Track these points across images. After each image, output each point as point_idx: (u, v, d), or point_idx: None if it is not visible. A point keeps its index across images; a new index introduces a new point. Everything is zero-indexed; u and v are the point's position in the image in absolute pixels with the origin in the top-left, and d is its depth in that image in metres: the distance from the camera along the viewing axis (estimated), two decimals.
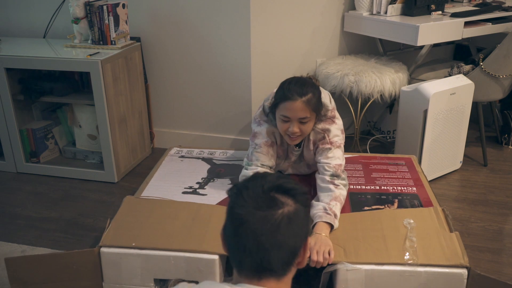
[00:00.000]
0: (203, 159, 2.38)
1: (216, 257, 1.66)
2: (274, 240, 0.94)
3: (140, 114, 2.88)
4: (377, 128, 3.23)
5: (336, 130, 1.92)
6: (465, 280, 1.58)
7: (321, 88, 2.28)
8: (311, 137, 1.95)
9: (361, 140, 3.07)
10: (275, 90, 2.21)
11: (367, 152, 2.95)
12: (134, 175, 2.78)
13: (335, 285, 1.63)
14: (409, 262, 1.60)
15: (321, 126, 1.92)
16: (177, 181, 2.15)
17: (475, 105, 2.71)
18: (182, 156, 2.41)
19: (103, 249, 1.70)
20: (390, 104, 3.06)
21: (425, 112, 2.44)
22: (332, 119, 1.93)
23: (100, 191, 2.62)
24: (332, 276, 1.68)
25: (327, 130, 1.91)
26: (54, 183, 2.71)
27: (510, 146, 3.07)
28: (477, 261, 2.00)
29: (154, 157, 2.98)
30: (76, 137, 2.85)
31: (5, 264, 1.69)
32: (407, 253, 1.63)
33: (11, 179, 2.76)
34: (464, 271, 1.58)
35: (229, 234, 0.98)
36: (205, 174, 2.22)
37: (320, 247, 1.61)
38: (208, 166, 2.30)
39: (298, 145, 2.00)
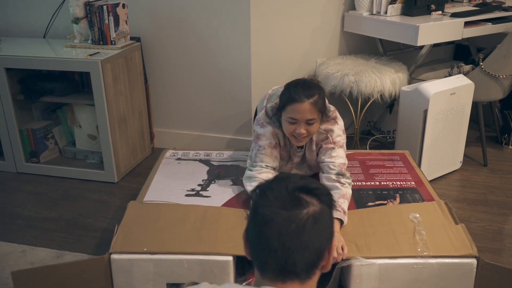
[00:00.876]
0: (201, 160, 2.37)
1: (230, 258, 1.67)
2: (299, 241, 0.92)
3: (140, 114, 2.88)
4: (377, 128, 3.23)
5: (339, 130, 1.96)
6: (475, 269, 1.64)
7: None
8: (314, 138, 1.97)
9: (361, 140, 3.07)
10: (270, 92, 2.21)
11: None
12: (134, 175, 2.78)
13: (350, 280, 1.66)
14: (421, 254, 1.64)
15: (324, 126, 1.94)
16: (178, 184, 2.14)
17: (475, 105, 2.71)
18: (179, 159, 2.39)
19: (113, 256, 1.68)
20: (390, 104, 3.06)
21: (425, 112, 2.44)
22: (334, 120, 1.97)
23: (100, 191, 2.62)
24: (343, 271, 1.71)
25: (330, 131, 1.95)
26: (54, 183, 2.71)
27: (510, 146, 3.07)
28: None
29: (154, 157, 2.98)
30: (76, 137, 2.85)
31: (12, 278, 1.66)
32: (418, 246, 1.67)
33: (11, 179, 2.76)
34: (473, 261, 1.64)
35: (253, 236, 0.96)
36: (205, 176, 2.21)
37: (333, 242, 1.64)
38: (207, 168, 2.30)
39: (301, 146, 2.01)
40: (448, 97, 2.47)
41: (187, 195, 2.05)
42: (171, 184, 2.14)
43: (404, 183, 2.11)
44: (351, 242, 1.70)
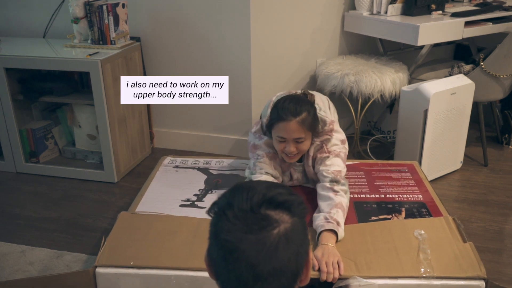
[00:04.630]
0: (199, 169, 2.29)
1: None
2: (272, 268, 0.79)
3: (140, 114, 2.88)
4: (377, 128, 3.23)
5: (335, 140, 1.88)
6: None
7: (319, 95, 2.21)
8: (311, 153, 1.91)
9: (361, 140, 3.06)
10: (274, 99, 2.16)
11: (367, 152, 2.94)
12: (134, 175, 2.78)
13: None
14: (425, 275, 1.53)
15: (319, 139, 1.88)
16: (174, 194, 2.06)
17: (475, 105, 2.71)
18: (177, 166, 2.31)
19: (98, 269, 1.60)
20: (390, 104, 3.05)
21: (426, 112, 2.44)
22: (331, 131, 1.89)
23: (100, 191, 2.62)
24: None
25: (325, 140, 1.88)
26: (53, 183, 2.70)
27: (510, 146, 3.06)
28: None
29: (154, 157, 2.98)
30: (76, 137, 2.84)
31: None
32: (422, 266, 1.57)
33: (10, 179, 2.76)
34: (481, 283, 1.52)
35: (218, 263, 0.83)
36: (202, 186, 2.13)
37: (328, 258, 1.55)
38: (205, 177, 2.21)
39: (299, 160, 1.95)
40: (449, 97, 2.47)
41: (181, 206, 1.97)
42: (166, 193, 2.06)
43: (411, 196, 1.99)
44: (349, 260, 1.59)
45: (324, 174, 1.82)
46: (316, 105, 2.04)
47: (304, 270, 0.85)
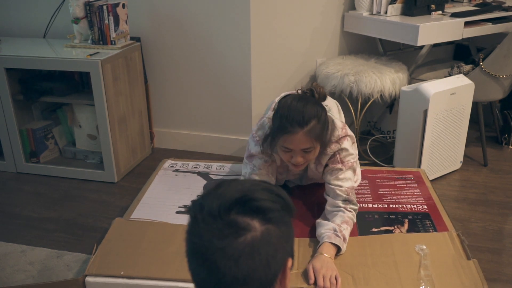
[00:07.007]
0: (199, 173, 2.26)
1: None
2: (234, 276, 0.75)
3: (140, 114, 2.88)
4: (377, 128, 3.23)
5: (349, 148, 1.76)
6: None
7: (328, 99, 2.12)
8: (323, 162, 1.79)
9: (361, 140, 3.07)
10: (277, 100, 2.13)
11: (367, 152, 2.95)
12: (134, 175, 2.78)
13: None
14: None
15: (332, 146, 1.75)
16: (171, 199, 2.02)
17: (475, 105, 2.71)
18: (177, 170, 2.29)
19: (88, 278, 1.58)
20: (390, 104, 3.06)
21: (425, 112, 2.44)
22: (344, 137, 1.76)
23: (100, 191, 2.62)
24: None
25: (339, 149, 1.75)
26: (54, 183, 2.71)
27: (510, 146, 3.07)
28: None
29: (154, 157, 2.98)
30: (76, 137, 2.85)
31: None
32: (422, 283, 1.52)
33: (11, 179, 2.76)
34: None
35: (190, 263, 0.82)
36: (200, 191, 2.09)
37: (326, 271, 1.51)
38: (205, 182, 2.18)
39: None
40: (448, 97, 2.47)
41: (178, 212, 1.94)
42: (164, 199, 2.04)
43: (415, 206, 1.93)
44: (347, 274, 1.54)
45: (337, 192, 1.73)
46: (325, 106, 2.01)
47: (278, 279, 0.81)
